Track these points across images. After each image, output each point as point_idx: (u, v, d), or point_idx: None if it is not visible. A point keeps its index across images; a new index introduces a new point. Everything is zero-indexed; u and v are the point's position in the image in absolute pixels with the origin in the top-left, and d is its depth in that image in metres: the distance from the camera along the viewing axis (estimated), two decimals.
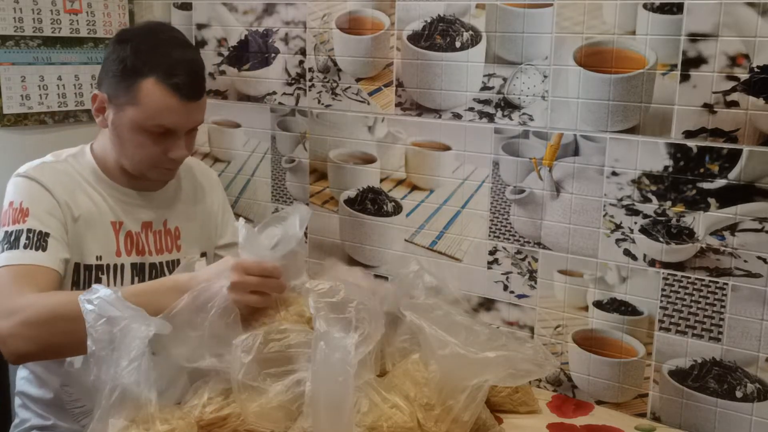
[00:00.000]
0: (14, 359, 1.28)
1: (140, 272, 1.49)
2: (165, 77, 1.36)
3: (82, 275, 1.41)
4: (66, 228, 1.39)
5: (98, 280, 1.43)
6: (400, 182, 1.64)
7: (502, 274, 1.54)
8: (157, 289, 1.25)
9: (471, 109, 1.52)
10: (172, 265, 1.53)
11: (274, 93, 1.77)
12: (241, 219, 1.27)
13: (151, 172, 1.45)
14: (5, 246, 1.33)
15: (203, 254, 1.62)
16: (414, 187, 1.62)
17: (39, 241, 1.35)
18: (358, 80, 1.66)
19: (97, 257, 1.43)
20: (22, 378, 1.53)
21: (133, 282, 1.48)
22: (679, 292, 1.36)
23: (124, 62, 1.38)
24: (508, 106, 1.47)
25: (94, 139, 1.53)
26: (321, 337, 1.10)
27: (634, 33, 1.33)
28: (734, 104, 1.26)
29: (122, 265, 1.47)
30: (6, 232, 1.35)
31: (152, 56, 1.38)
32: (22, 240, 1.34)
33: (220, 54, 1.84)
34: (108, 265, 1.45)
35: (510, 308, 1.54)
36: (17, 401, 1.54)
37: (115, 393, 1.09)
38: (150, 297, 1.21)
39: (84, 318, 1.13)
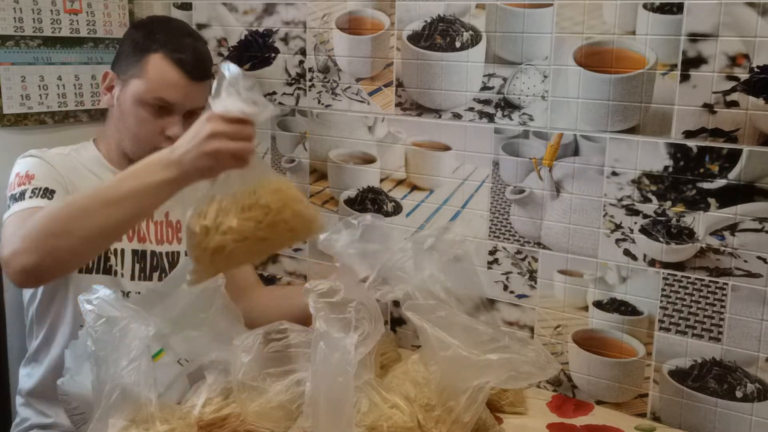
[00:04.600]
0: (19, 279, 1.22)
1: (141, 258, 1.51)
2: (171, 52, 1.45)
3: None
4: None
5: (107, 259, 1.47)
6: (400, 182, 1.64)
7: (502, 274, 1.53)
8: (140, 167, 1.18)
9: (471, 109, 1.52)
10: (172, 257, 1.55)
11: (274, 93, 1.77)
12: (228, 62, 1.16)
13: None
14: (12, 203, 1.37)
15: None
16: (414, 187, 1.62)
17: (45, 193, 1.38)
18: (358, 80, 1.65)
19: None
20: (24, 375, 1.54)
21: (134, 268, 1.51)
22: (679, 292, 1.36)
23: (136, 41, 1.48)
24: (508, 106, 1.47)
25: (96, 135, 1.56)
26: (321, 337, 1.10)
27: (634, 33, 1.33)
28: (734, 104, 1.26)
29: (123, 250, 1.48)
30: (12, 194, 1.39)
31: (162, 35, 1.47)
32: (27, 194, 1.37)
33: (220, 54, 1.84)
34: (114, 249, 1.48)
35: (510, 308, 1.54)
36: (18, 400, 1.55)
37: (115, 393, 1.10)
38: (136, 174, 1.17)
39: (79, 214, 1.14)
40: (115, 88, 1.50)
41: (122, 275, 1.49)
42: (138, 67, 1.46)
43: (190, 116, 1.46)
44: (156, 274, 1.53)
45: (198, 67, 1.47)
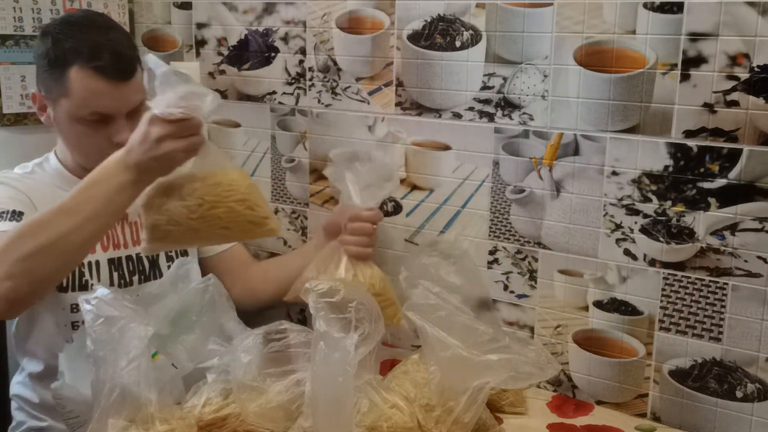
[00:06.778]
0: (6, 308, 1.19)
1: (118, 267, 1.49)
2: (87, 61, 1.36)
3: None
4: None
5: (81, 275, 1.44)
6: (400, 182, 1.64)
7: (502, 274, 1.53)
8: (97, 174, 1.19)
9: (471, 109, 1.52)
10: (152, 255, 1.53)
11: (274, 93, 1.77)
12: (150, 55, 1.16)
13: None
14: None
15: None
16: (414, 187, 1.62)
17: (13, 216, 1.35)
18: (358, 80, 1.65)
19: None
20: (18, 383, 1.54)
21: (111, 278, 1.48)
22: (679, 292, 1.35)
23: (48, 55, 1.39)
24: (508, 105, 1.47)
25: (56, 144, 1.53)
26: (321, 337, 1.10)
27: (634, 32, 1.33)
28: (734, 104, 1.26)
29: (98, 262, 1.46)
30: None
31: (72, 43, 1.37)
32: None
33: (220, 53, 1.84)
34: (89, 263, 1.45)
35: (510, 308, 1.54)
36: (13, 404, 1.55)
37: (114, 393, 1.10)
38: (94, 182, 1.18)
39: (45, 232, 1.13)
40: (48, 108, 1.43)
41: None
42: (61, 86, 1.38)
43: (133, 115, 1.40)
44: (135, 278, 1.51)
45: (120, 68, 1.38)
